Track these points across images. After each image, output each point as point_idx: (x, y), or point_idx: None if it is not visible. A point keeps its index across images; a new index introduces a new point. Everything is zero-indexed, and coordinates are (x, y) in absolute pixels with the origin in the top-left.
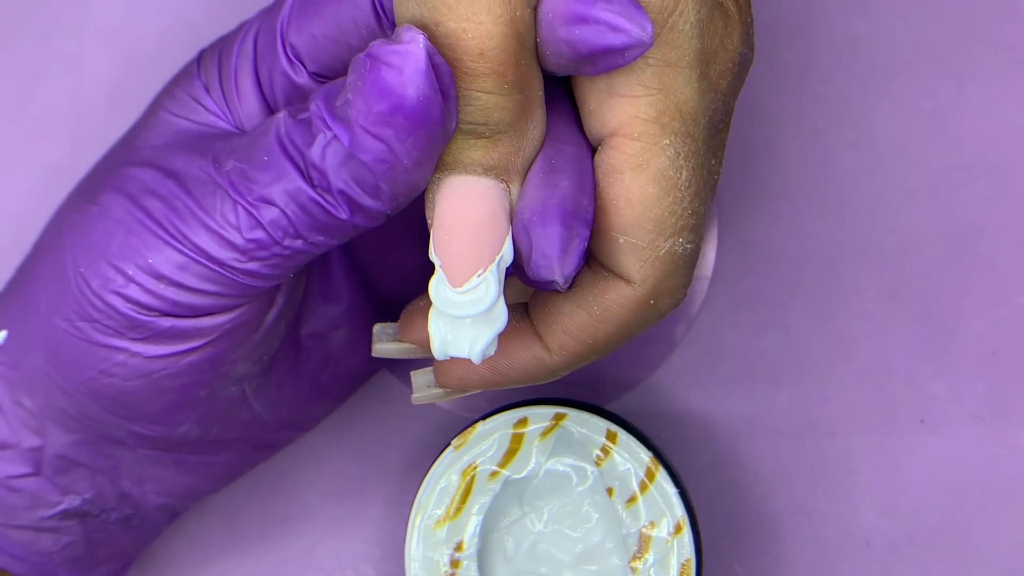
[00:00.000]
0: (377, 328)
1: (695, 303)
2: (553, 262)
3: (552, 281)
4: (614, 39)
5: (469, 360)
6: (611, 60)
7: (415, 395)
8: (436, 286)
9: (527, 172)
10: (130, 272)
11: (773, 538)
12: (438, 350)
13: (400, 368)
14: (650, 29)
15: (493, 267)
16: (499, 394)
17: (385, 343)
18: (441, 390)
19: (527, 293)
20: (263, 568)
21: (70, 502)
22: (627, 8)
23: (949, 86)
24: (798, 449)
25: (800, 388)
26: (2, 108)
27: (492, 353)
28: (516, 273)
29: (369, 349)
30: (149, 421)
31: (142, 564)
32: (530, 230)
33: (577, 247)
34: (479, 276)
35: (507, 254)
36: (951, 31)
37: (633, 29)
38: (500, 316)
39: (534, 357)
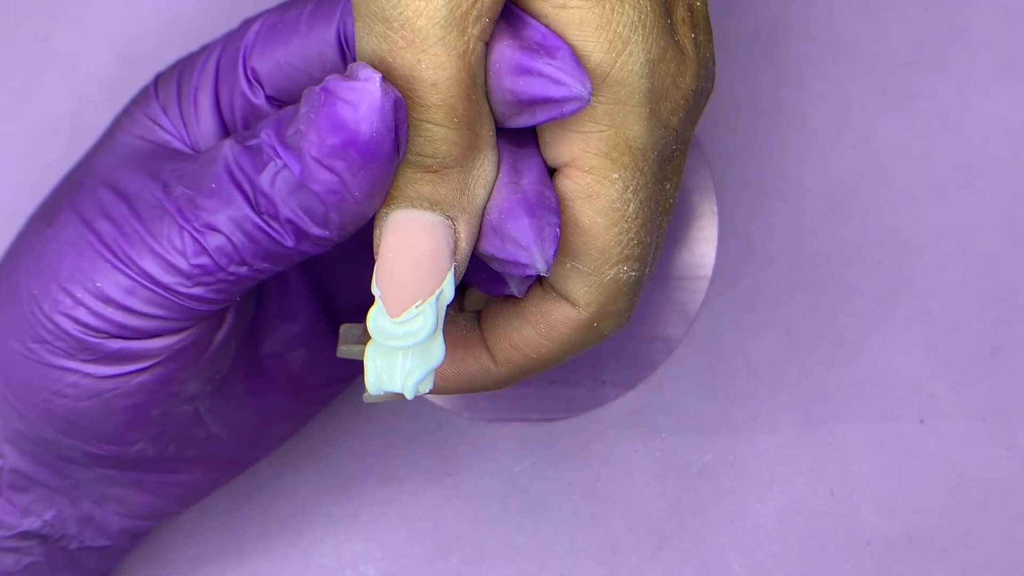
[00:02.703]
0: (344, 328)
1: (695, 303)
2: (533, 250)
3: (528, 274)
4: (555, 91)
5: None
6: (550, 111)
7: (366, 394)
8: (374, 317)
9: (480, 213)
10: (79, 295)
11: (773, 538)
12: (372, 385)
13: None
14: (589, 87)
15: (432, 300)
16: (498, 394)
17: (351, 344)
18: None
19: (479, 304)
20: (262, 567)
21: (30, 524)
22: (568, 64)
23: (949, 86)
24: (798, 449)
25: (800, 388)
26: (2, 108)
27: (426, 390)
28: (476, 284)
29: (330, 370)
30: (103, 441)
31: (140, 563)
32: (500, 229)
33: (550, 233)
34: (416, 307)
35: (447, 290)
36: (951, 31)
37: (573, 84)
38: (437, 352)
39: (481, 367)
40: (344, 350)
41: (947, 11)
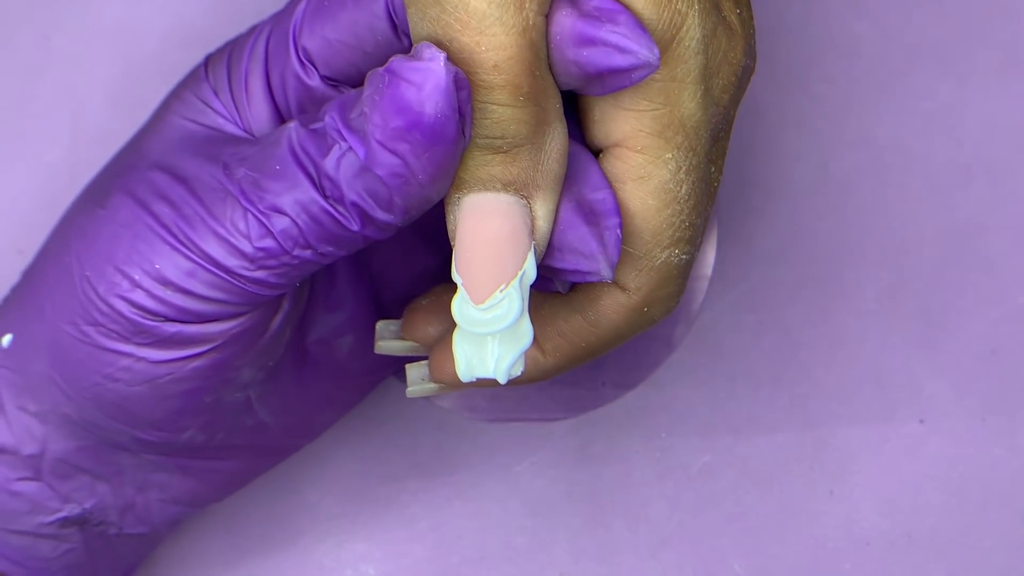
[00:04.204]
0: (380, 325)
1: (695, 303)
2: (598, 258)
3: (590, 276)
4: (621, 60)
5: None
6: (618, 80)
7: (409, 388)
8: (459, 305)
9: (558, 187)
10: (136, 277)
11: (773, 538)
12: (463, 372)
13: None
14: (657, 52)
15: (516, 282)
16: (498, 394)
17: (388, 340)
18: (436, 385)
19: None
20: (263, 567)
21: (70, 510)
22: (633, 31)
23: (949, 86)
24: (798, 449)
25: (800, 388)
26: (2, 108)
27: (518, 373)
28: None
29: (375, 358)
30: (153, 427)
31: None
32: (558, 241)
33: (611, 236)
34: (501, 291)
35: (530, 271)
36: (951, 31)
37: (641, 51)
38: (525, 334)
39: (529, 358)
40: (382, 346)
41: (947, 11)
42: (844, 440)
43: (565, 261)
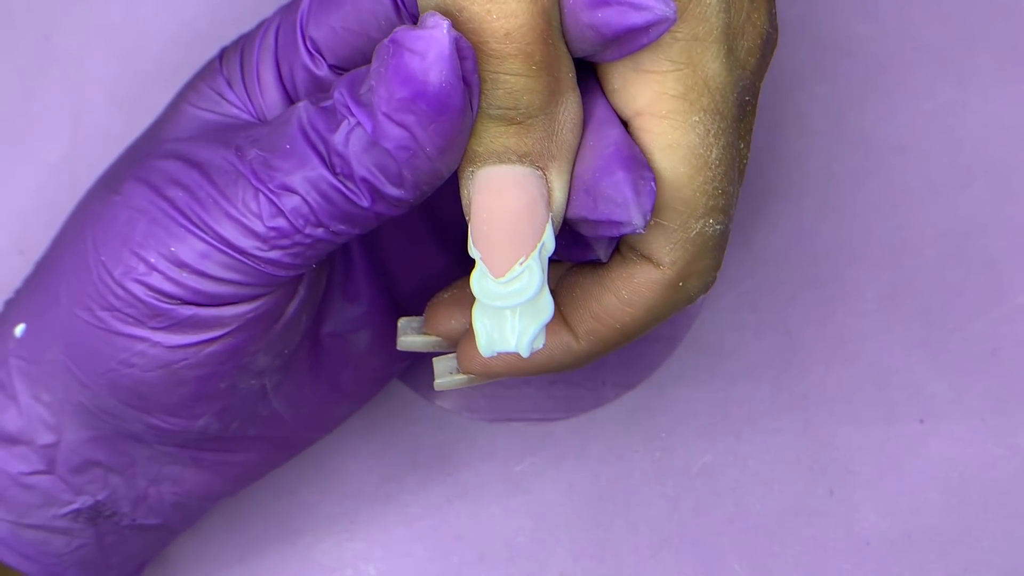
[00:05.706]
0: (402, 322)
1: (696, 303)
2: (630, 206)
3: (622, 233)
4: (637, 18)
5: None
6: (635, 40)
7: (437, 381)
8: (478, 279)
9: (572, 158)
10: (152, 260)
11: (773, 538)
12: (484, 347)
13: (409, 374)
14: (673, 5)
15: (535, 254)
16: (498, 394)
17: (410, 336)
18: (465, 376)
19: (553, 278)
20: (263, 567)
21: (83, 502)
22: None
23: (949, 86)
24: (798, 449)
25: (800, 388)
26: (2, 108)
27: (540, 346)
28: (555, 251)
29: (391, 352)
30: (168, 414)
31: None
32: (593, 188)
33: (645, 187)
34: (521, 264)
35: (548, 242)
36: (951, 31)
37: (656, 6)
38: (546, 307)
39: (561, 343)
40: (404, 342)
41: (947, 11)
42: (844, 440)
43: (598, 211)
